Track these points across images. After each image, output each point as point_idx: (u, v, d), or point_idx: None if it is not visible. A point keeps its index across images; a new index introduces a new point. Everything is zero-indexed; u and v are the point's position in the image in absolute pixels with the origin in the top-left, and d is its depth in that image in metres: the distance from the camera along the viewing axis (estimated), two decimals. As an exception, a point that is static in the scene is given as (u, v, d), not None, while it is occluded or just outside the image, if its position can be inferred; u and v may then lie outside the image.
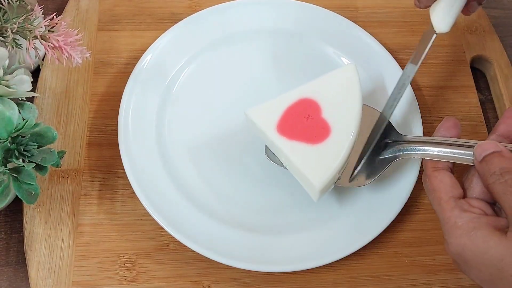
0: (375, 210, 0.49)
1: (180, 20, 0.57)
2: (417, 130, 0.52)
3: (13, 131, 0.41)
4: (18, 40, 0.45)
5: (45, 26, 0.44)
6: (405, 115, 0.53)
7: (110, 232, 0.49)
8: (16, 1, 0.45)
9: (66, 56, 0.44)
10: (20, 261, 0.49)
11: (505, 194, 0.36)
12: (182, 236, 0.47)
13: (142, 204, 0.48)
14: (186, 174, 0.51)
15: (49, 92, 0.55)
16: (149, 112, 0.53)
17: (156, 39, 0.56)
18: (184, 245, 0.47)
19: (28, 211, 0.49)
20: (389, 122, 0.49)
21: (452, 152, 0.42)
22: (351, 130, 0.46)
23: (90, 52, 0.46)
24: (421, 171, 0.51)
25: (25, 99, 0.45)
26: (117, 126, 0.51)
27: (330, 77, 0.48)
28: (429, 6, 0.46)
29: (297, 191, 0.50)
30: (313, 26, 0.58)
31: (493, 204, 0.40)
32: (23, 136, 0.42)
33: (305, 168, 0.45)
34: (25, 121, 0.42)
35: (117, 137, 0.51)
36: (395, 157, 0.46)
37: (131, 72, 0.54)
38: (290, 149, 0.45)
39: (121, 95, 0.53)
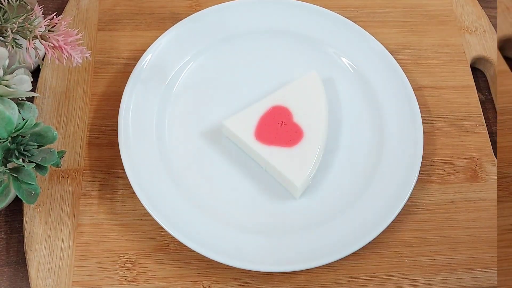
0: (375, 210, 0.49)
1: (180, 20, 0.57)
2: (417, 130, 0.52)
3: (13, 131, 0.41)
4: (18, 40, 0.45)
5: (45, 26, 0.44)
6: (405, 115, 0.53)
7: (110, 232, 0.49)
8: (16, 1, 0.45)
9: (66, 56, 0.44)
10: (20, 261, 0.49)
11: None
12: (182, 236, 0.47)
13: (142, 204, 0.48)
14: (186, 174, 0.51)
15: (49, 92, 0.55)
16: (149, 112, 0.53)
17: (156, 39, 0.56)
18: (184, 245, 0.47)
19: (28, 211, 0.49)
20: None
21: None
22: (321, 132, 0.51)
23: (90, 51, 0.46)
24: (421, 171, 0.51)
25: (25, 99, 0.45)
26: (117, 126, 0.51)
27: (296, 86, 0.53)
28: None
29: (297, 191, 0.50)
30: (313, 26, 0.58)
31: None
32: (23, 136, 0.42)
33: (284, 169, 0.49)
34: (25, 121, 0.42)
35: (117, 137, 0.51)
36: None
37: (131, 72, 0.54)
38: (269, 154, 0.50)
39: (121, 95, 0.53)
